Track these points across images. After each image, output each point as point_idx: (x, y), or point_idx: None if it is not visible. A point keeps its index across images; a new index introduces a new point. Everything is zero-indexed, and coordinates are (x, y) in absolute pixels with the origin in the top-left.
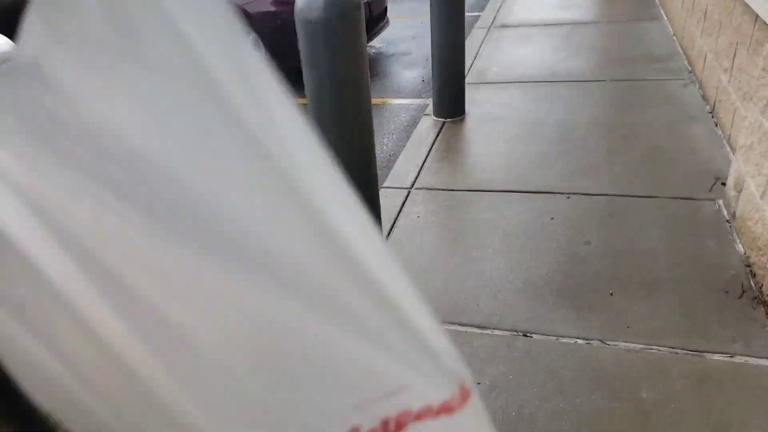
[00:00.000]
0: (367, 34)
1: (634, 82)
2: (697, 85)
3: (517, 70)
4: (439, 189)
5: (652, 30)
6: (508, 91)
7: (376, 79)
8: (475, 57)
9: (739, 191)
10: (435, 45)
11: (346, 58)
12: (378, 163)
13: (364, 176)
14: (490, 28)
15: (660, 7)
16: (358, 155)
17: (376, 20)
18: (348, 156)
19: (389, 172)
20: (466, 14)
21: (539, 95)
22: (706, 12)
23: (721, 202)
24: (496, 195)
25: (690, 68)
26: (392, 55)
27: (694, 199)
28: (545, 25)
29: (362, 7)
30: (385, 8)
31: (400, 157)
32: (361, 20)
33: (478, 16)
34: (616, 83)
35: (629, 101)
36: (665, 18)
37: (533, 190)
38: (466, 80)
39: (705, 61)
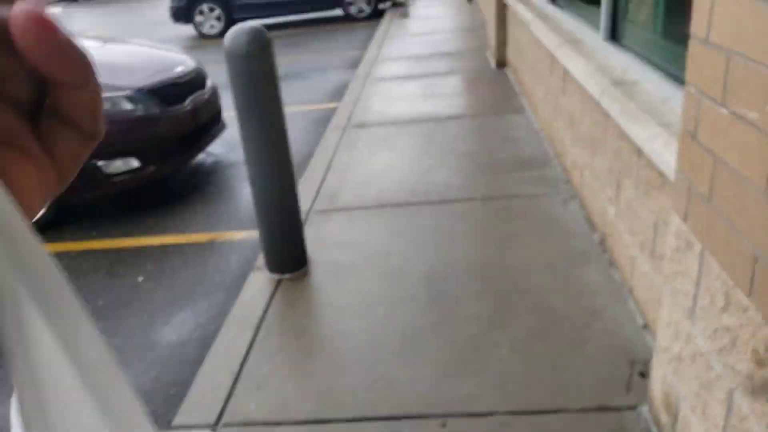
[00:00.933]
0: (195, 144)
1: (508, 199)
2: (579, 202)
3: (375, 189)
4: (259, 424)
5: (519, 125)
6: (365, 220)
7: (208, 203)
8: (327, 170)
9: (674, 417)
10: (256, 176)
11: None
12: (183, 358)
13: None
14: (346, 128)
15: (523, 97)
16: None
17: (207, 127)
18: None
19: (189, 389)
20: (322, 107)
21: (402, 225)
22: (573, 117)
23: (646, 410)
24: (344, 429)
25: (567, 178)
26: (233, 164)
27: (612, 410)
28: (407, 122)
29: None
30: (219, 110)
31: (212, 352)
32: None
33: (335, 109)
34: (488, 202)
35: (506, 230)
36: (529, 110)
37: (398, 414)
38: (314, 206)
39: (582, 175)
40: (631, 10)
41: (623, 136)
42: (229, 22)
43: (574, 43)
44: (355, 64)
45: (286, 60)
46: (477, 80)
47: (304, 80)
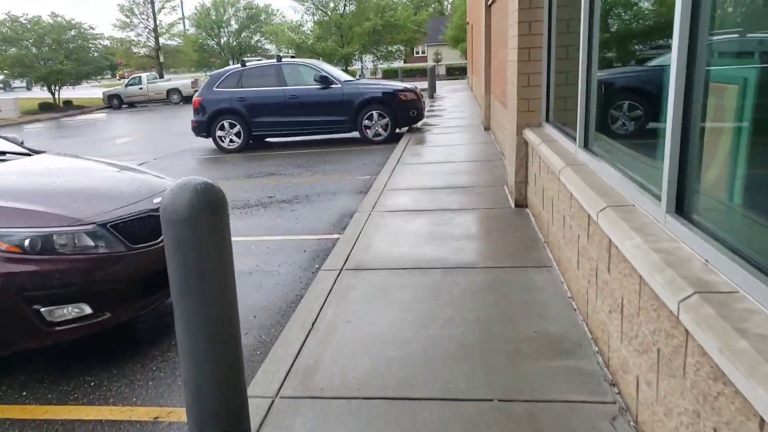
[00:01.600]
0: (166, 286)
1: (534, 406)
2: (632, 422)
3: (363, 367)
4: None
5: (543, 286)
6: (345, 420)
7: (167, 362)
8: (309, 332)
9: None
10: (189, 376)
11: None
12: None
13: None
14: (341, 270)
15: (547, 248)
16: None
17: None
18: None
19: None
20: (324, 237)
21: None
22: (622, 306)
23: None
24: None
25: (612, 378)
26: None
27: None
28: (411, 268)
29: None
30: None
31: None
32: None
33: (336, 240)
34: (507, 408)
35: None
36: (556, 267)
37: None
38: (283, 389)
39: (638, 388)
40: (712, 173)
41: (723, 379)
42: (249, 138)
43: (621, 208)
44: (365, 190)
45: (296, 181)
46: (493, 220)
47: (310, 205)
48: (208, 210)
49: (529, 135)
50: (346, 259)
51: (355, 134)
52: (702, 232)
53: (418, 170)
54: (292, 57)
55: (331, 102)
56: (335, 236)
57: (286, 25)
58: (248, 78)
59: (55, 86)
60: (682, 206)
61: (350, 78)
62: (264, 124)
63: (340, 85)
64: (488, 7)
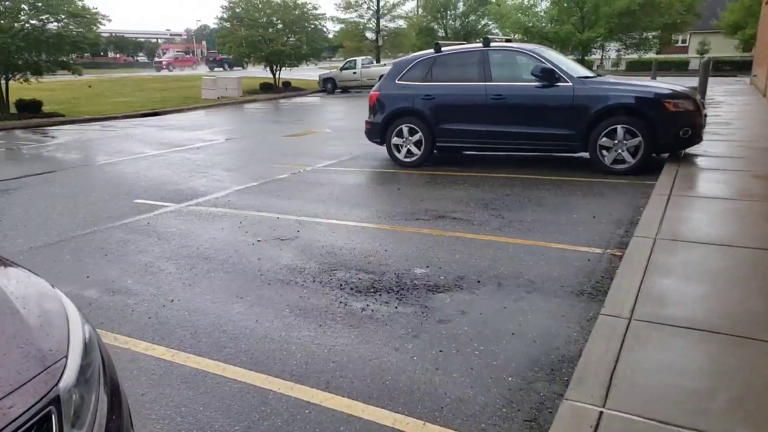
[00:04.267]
0: None
1: None
2: None
3: None
4: None
5: None
6: None
7: None
8: None
9: None
10: None
11: None
12: None
13: None
14: None
15: None
16: None
17: None
18: None
19: None
20: None
21: None
22: None
23: None
24: None
25: None
26: None
27: None
28: None
29: None
30: None
31: None
32: None
33: None
34: None
35: None
36: None
37: None
38: None
39: None
40: None
41: None
42: (432, 149)
43: None
44: (591, 289)
45: (473, 238)
46: None
47: (477, 311)
48: None
49: None
50: None
51: (584, 155)
52: None
53: (701, 258)
54: (508, 41)
55: (554, 107)
56: None
57: (514, 6)
58: (441, 68)
59: (276, 66)
60: None
61: (587, 73)
62: (453, 132)
63: (570, 84)
64: None
